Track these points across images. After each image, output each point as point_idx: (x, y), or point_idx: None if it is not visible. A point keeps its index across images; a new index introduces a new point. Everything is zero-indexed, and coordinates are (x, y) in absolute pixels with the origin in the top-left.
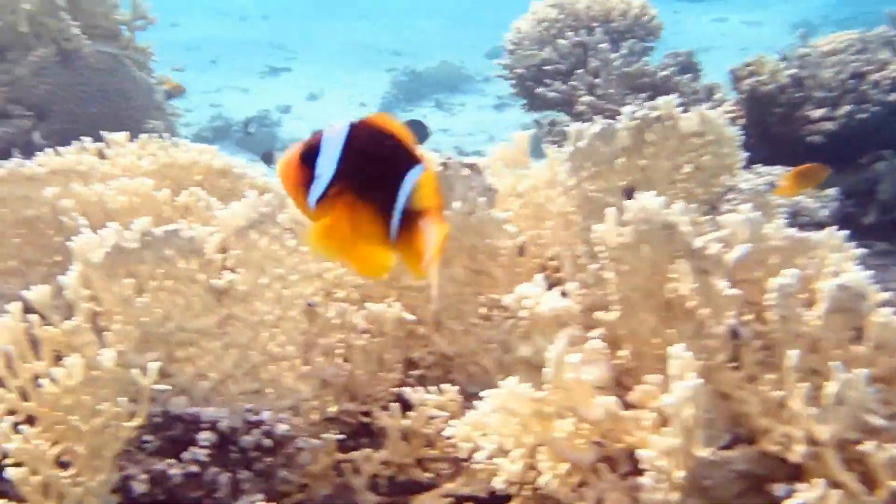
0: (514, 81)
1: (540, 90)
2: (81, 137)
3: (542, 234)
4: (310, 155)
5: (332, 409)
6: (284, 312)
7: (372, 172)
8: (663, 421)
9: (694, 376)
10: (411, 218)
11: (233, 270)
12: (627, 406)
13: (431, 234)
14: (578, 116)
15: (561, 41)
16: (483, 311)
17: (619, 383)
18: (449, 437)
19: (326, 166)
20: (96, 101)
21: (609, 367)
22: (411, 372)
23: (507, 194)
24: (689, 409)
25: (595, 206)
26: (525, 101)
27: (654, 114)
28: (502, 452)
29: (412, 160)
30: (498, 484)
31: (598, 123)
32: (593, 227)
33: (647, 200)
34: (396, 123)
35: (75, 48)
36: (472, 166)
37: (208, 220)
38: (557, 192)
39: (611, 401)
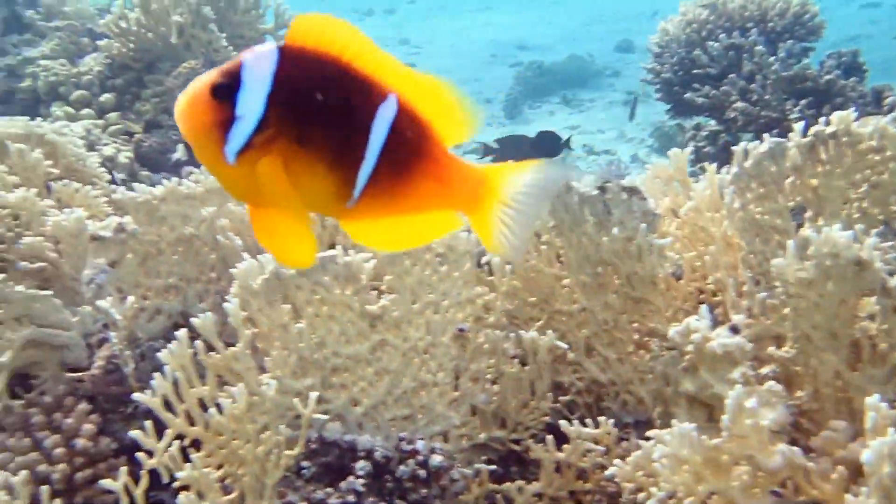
0: (658, 85)
1: (688, 95)
2: None
3: (702, 257)
4: (226, 88)
5: (482, 437)
6: (435, 338)
7: (320, 110)
8: (853, 474)
9: (894, 431)
10: (390, 172)
11: (384, 296)
12: (807, 451)
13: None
14: (729, 123)
15: (712, 43)
16: (638, 338)
17: (797, 427)
18: (607, 474)
19: (251, 102)
20: None
21: (787, 411)
22: (560, 398)
23: (663, 214)
24: (888, 468)
25: (761, 230)
26: (670, 106)
27: (829, 129)
28: (672, 499)
29: (378, 90)
30: None
31: (767, 142)
32: (773, 262)
33: (834, 234)
34: (347, 38)
35: (223, 59)
36: (632, 190)
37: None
38: (721, 216)
39: (792, 450)
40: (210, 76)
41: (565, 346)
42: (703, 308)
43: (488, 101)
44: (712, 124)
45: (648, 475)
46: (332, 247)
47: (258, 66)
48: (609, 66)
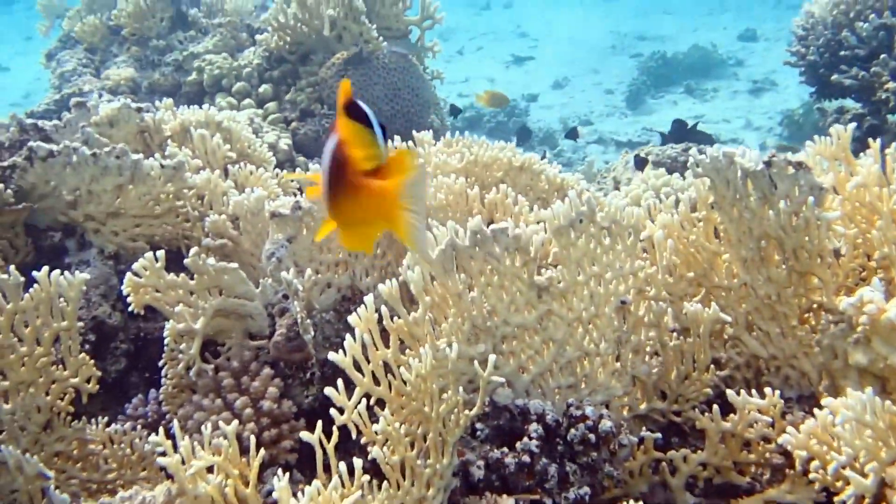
0: (803, 69)
1: (835, 77)
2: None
3: (865, 234)
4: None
5: (643, 407)
6: (599, 309)
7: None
8: None
9: None
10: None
11: (552, 267)
12: None
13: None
14: (879, 105)
15: (861, 24)
16: (800, 312)
17: None
18: (774, 444)
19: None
20: (390, 100)
21: None
22: (718, 372)
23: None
24: None
25: None
26: (814, 90)
27: None
28: (852, 466)
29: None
30: (846, 498)
31: None
32: None
33: None
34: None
35: (374, 49)
36: (799, 164)
37: (516, 217)
38: (888, 191)
39: None
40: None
41: (728, 318)
42: (875, 280)
43: (609, 92)
44: (857, 107)
45: (822, 443)
46: (492, 220)
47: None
48: (732, 55)
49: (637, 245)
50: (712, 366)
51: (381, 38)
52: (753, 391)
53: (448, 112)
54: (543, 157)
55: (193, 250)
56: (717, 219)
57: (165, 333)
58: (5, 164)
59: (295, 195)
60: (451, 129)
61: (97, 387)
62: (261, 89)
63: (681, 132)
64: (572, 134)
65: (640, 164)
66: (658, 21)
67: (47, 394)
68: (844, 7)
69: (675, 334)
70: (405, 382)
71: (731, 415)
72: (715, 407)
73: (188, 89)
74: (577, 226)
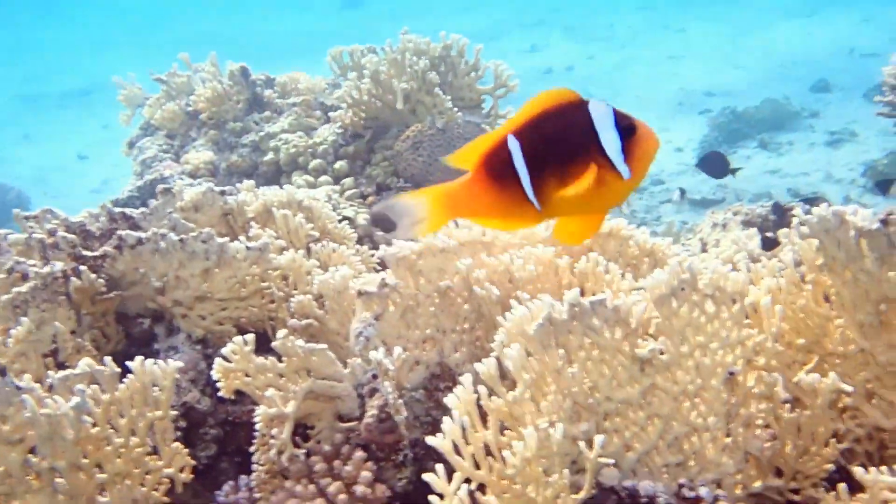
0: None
1: None
2: None
3: None
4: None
5: (757, 485)
6: (705, 382)
7: None
8: None
9: None
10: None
11: (653, 339)
12: None
13: None
14: None
15: None
16: None
17: None
18: None
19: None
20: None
21: None
22: (837, 445)
23: None
24: None
25: None
26: None
27: None
28: None
29: None
30: None
31: None
32: None
33: None
34: None
35: (448, 120)
36: None
37: (608, 285)
38: None
39: None
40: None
41: (849, 388)
42: None
43: (679, 150)
44: None
45: None
46: (583, 294)
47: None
48: (806, 107)
49: (743, 312)
50: (833, 439)
51: (455, 109)
52: (880, 467)
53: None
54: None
55: (281, 332)
56: (827, 282)
57: (256, 418)
58: (97, 253)
59: (376, 270)
60: None
61: (191, 475)
62: (336, 165)
63: (716, 164)
64: (884, 187)
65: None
66: (726, 77)
67: (143, 485)
68: None
69: (787, 406)
70: (507, 465)
71: (860, 493)
72: (842, 486)
73: (265, 169)
74: (679, 294)
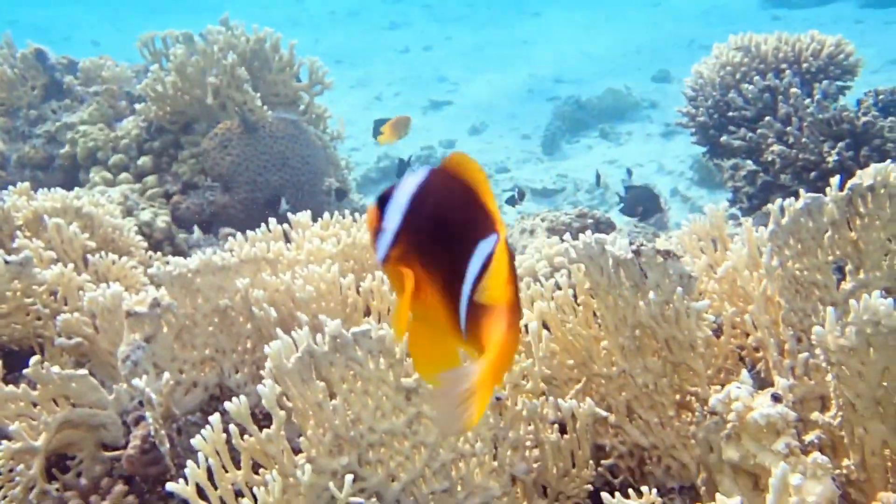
0: (694, 129)
1: (724, 138)
2: (261, 205)
3: (741, 315)
4: (382, 200)
5: None
6: None
7: (439, 236)
8: None
9: None
10: (479, 308)
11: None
12: None
13: (494, 340)
14: (767, 166)
15: (747, 86)
16: (679, 399)
17: (846, 497)
18: None
19: (392, 219)
20: (277, 169)
21: (834, 484)
22: (602, 461)
23: (701, 271)
24: None
25: (802, 287)
26: (706, 149)
27: (867, 182)
28: None
29: (486, 225)
30: None
31: (803, 198)
32: (813, 330)
33: (874, 302)
34: (477, 169)
35: (258, 118)
36: (667, 253)
37: (394, 304)
38: (760, 274)
39: None
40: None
41: (605, 413)
42: (744, 373)
43: (526, 137)
44: (749, 164)
45: None
46: (368, 313)
47: (406, 186)
48: (646, 97)
49: None
50: (595, 459)
51: (265, 107)
52: (637, 482)
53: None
54: None
55: (34, 359)
56: (594, 304)
57: None
58: None
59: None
60: (363, 181)
61: None
62: (140, 161)
63: (637, 196)
64: (515, 200)
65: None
66: (574, 64)
67: None
68: (731, 69)
69: (556, 426)
70: None
71: None
72: None
73: (61, 162)
74: None
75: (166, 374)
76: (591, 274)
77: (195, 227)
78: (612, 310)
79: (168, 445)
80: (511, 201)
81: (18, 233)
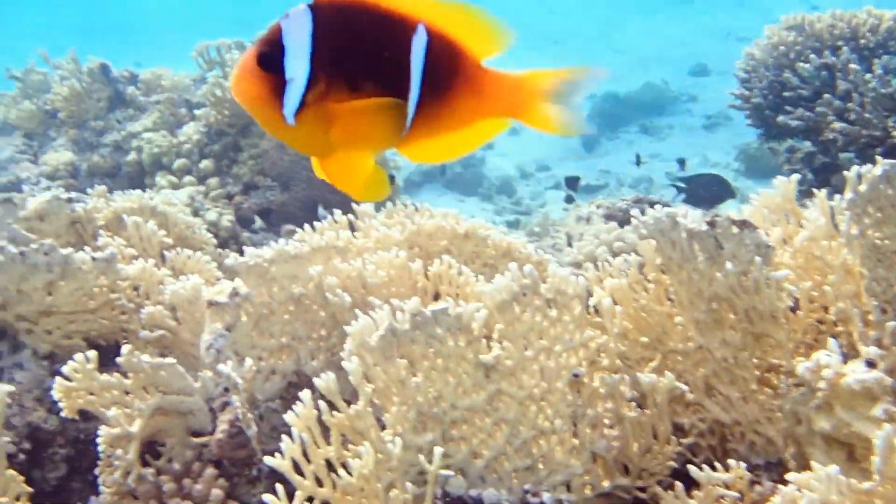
0: (748, 112)
1: (781, 119)
2: (322, 205)
3: (820, 287)
4: (272, 57)
5: (605, 484)
6: (551, 385)
7: (362, 53)
8: None
9: None
10: (434, 96)
11: (498, 344)
12: None
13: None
14: (827, 144)
15: (802, 65)
16: (760, 374)
17: None
18: None
19: (296, 64)
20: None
21: None
22: (682, 440)
23: (776, 245)
24: None
25: (884, 256)
26: (761, 131)
27: None
28: None
29: (407, 24)
30: None
31: (881, 164)
32: None
33: None
34: None
35: None
36: (743, 223)
37: (462, 287)
38: (838, 244)
39: None
40: (254, 49)
41: (684, 387)
42: (832, 341)
43: (565, 136)
44: (807, 146)
45: None
46: (437, 298)
47: (296, 28)
48: (685, 91)
49: (585, 315)
50: (674, 437)
51: None
52: (717, 464)
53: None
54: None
55: (126, 348)
56: (667, 281)
57: (99, 440)
58: None
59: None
60: (406, 184)
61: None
62: (202, 165)
63: (704, 183)
64: (572, 185)
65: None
66: (609, 61)
67: None
68: (784, 48)
69: (633, 404)
70: (346, 482)
71: (697, 491)
72: (678, 485)
73: (129, 170)
74: (521, 299)
75: (248, 361)
76: (662, 249)
77: (256, 217)
78: (687, 284)
79: (255, 429)
80: (571, 185)
81: (101, 232)
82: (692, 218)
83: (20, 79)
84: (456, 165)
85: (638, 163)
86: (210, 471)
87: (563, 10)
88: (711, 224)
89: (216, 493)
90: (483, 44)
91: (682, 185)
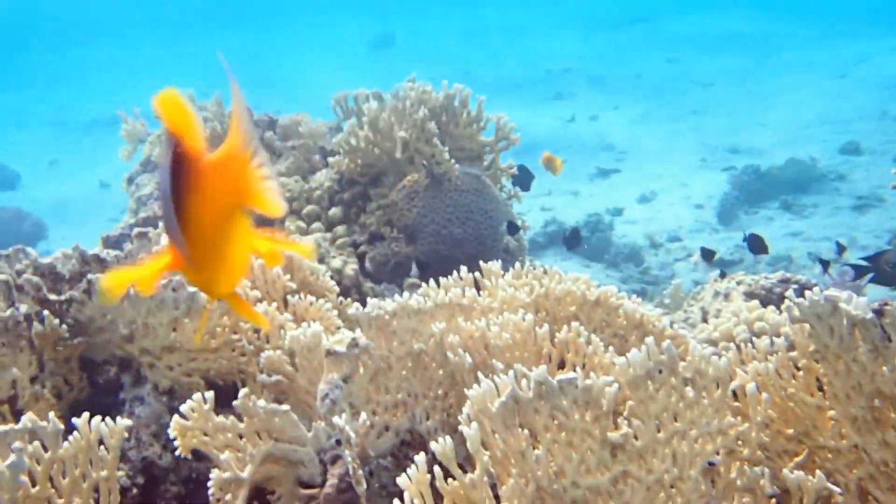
0: None
1: None
2: (449, 258)
3: None
4: None
5: None
6: (682, 471)
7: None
8: None
9: None
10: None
11: (627, 423)
12: None
13: None
14: None
15: None
16: None
17: None
18: None
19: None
20: (460, 222)
21: None
22: None
23: None
24: None
25: None
26: None
27: None
28: None
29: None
30: None
31: None
32: None
33: None
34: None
35: (445, 171)
36: None
37: (590, 357)
38: None
39: None
40: None
41: (836, 489)
42: None
43: (699, 207)
44: None
45: None
46: (563, 365)
47: None
48: (833, 169)
49: (725, 399)
50: None
51: (453, 161)
52: None
53: (506, 230)
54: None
55: (243, 391)
56: (819, 369)
57: (210, 483)
58: (62, 297)
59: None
60: (530, 246)
61: None
62: (330, 212)
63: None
64: (573, 239)
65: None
66: (751, 134)
67: None
68: None
69: (773, 501)
70: None
71: None
72: None
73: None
74: (656, 377)
75: (363, 415)
76: (818, 335)
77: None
78: (844, 376)
79: (364, 486)
80: (707, 258)
81: None
82: (857, 303)
83: None
84: (583, 230)
85: (825, 268)
86: None
87: (704, 81)
88: (879, 312)
89: None
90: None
91: (864, 263)
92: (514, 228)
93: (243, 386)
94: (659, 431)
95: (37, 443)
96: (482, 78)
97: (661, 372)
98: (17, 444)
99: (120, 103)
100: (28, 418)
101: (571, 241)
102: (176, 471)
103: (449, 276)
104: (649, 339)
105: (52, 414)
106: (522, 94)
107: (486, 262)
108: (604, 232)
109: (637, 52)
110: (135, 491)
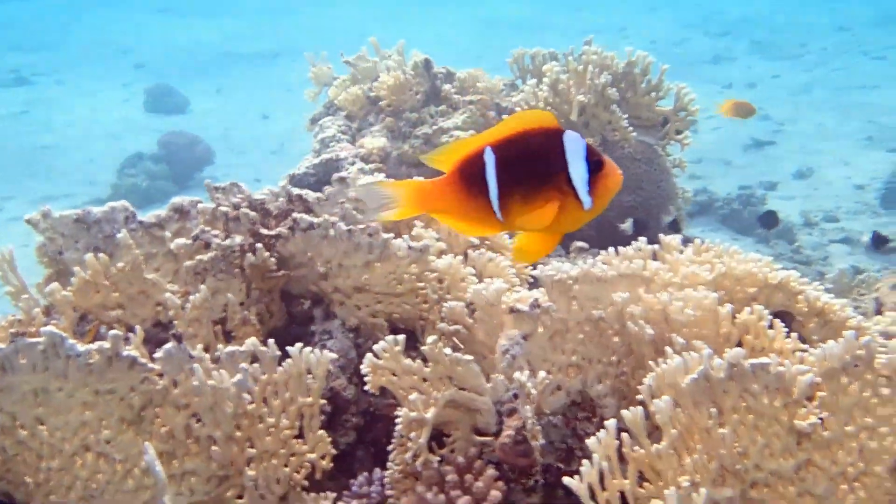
0: None
1: None
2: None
3: None
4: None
5: None
6: (869, 467)
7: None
8: None
9: None
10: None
11: (815, 412)
12: None
13: None
14: None
15: None
16: None
17: None
18: None
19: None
20: (632, 191)
21: None
22: None
23: None
24: None
25: None
26: None
27: None
28: None
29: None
30: None
31: None
32: None
33: None
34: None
35: (621, 139)
36: None
37: (770, 342)
38: None
39: None
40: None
41: None
42: None
43: (859, 188)
44: None
45: None
46: (740, 347)
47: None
48: None
49: None
50: None
51: (630, 129)
52: None
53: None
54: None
55: (431, 338)
56: None
57: (398, 420)
58: (272, 232)
59: (529, 285)
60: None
61: (331, 464)
62: None
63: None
64: (769, 219)
65: (879, 242)
66: None
67: (286, 465)
68: None
69: None
70: None
71: None
72: None
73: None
74: (852, 371)
75: (542, 373)
76: None
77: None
78: None
79: (540, 441)
80: (877, 243)
81: (416, 223)
82: None
83: (352, 64)
84: (735, 202)
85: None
86: (490, 471)
87: (877, 54)
88: None
89: (495, 494)
90: None
91: None
92: (675, 226)
93: (423, 332)
94: (848, 425)
95: (256, 364)
96: (634, 36)
97: (856, 366)
98: (243, 364)
99: (275, 39)
100: (251, 342)
101: (768, 220)
102: (357, 403)
103: (629, 246)
104: (849, 332)
105: (271, 341)
106: (680, 54)
107: (652, 232)
108: (755, 206)
109: (805, 18)
110: (322, 418)
